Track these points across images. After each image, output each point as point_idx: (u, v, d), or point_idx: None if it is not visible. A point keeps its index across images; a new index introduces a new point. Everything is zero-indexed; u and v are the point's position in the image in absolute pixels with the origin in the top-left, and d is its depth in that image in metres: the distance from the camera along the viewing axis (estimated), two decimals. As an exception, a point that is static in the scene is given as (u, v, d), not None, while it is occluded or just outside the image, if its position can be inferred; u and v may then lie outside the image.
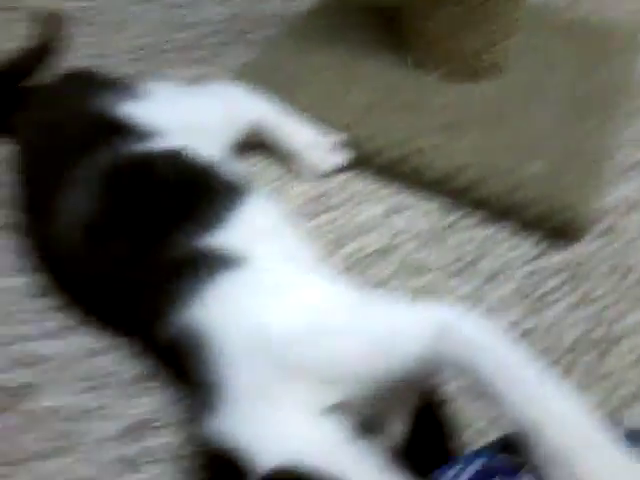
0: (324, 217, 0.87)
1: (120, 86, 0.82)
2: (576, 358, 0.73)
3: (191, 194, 0.67)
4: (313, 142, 0.91)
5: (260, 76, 0.99)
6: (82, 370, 0.68)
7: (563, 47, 1.11)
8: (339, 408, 0.54)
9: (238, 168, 0.81)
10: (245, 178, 0.75)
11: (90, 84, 0.82)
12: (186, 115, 0.81)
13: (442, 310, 0.54)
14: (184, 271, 0.60)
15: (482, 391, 0.48)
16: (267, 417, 0.53)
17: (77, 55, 1.10)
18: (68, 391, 0.66)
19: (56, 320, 0.72)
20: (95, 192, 0.66)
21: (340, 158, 0.91)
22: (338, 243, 0.84)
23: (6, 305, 0.73)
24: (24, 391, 0.66)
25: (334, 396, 0.54)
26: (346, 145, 0.91)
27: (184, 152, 0.71)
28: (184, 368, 0.59)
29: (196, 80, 1.06)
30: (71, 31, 1.06)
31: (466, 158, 0.88)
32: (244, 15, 1.26)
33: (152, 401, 0.66)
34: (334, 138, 0.91)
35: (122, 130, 0.71)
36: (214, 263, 0.60)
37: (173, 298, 0.59)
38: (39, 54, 0.98)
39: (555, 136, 0.93)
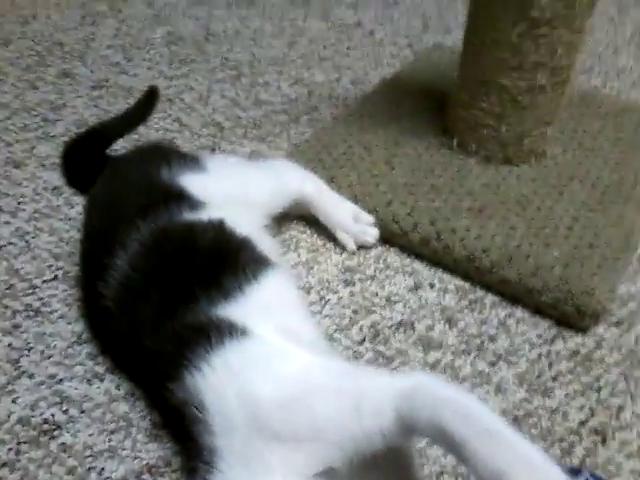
0: (358, 286, 0.95)
1: (185, 159, 0.92)
2: (577, 442, 0.76)
3: (220, 264, 0.75)
4: (351, 219, 1.00)
5: (315, 152, 1.11)
6: (100, 413, 0.78)
7: (606, 134, 1.16)
8: (326, 475, 0.59)
9: (274, 239, 0.91)
10: (274, 251, 0.84)
11: (160, 156, 0.92)
12: (237, 189, 0.91)
13: (414, 377, 0.59)
14: (193, 338, 0.67)
15: (450, 447, 0.53)
16: (247, 477, 0.59)
17: (159, 125, 1.27)
18: (85, 431, 0.76)
19: (87, 366, 0.83)
20: (137, 254, 0.76)
21: (374, 236, 1.00)
22: (366, 310, 0.91)
23: (49, 349, 0.85)
24: (46, 427, 0.76)
25: (318, 462, 0.59)
26: (381, 223, 1.00)
27: (225, 224, 0.80)
28: (186, 429, 0.65)
29: (259, 154, 1.19)
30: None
31: (492, 240, 0.94)
32: (314, 94, 1.39)
33: (159, 448, 0.75)
34: (370, 217, 1.00)
35: (177, 199, 0.81)
36: (219, 333, 0.66)
37: (181, 363, 0.65)
38: (132, 120, 1.14)
39: (579, 223, 0.97)
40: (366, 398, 0.59)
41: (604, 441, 0.76)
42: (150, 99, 1.16)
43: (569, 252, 0.93)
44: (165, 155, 0.92)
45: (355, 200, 1.03)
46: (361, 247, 1.01)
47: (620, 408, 0.80)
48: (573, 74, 1.05)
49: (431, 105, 1.22)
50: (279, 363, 0.65)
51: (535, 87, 1.01)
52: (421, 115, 1.20)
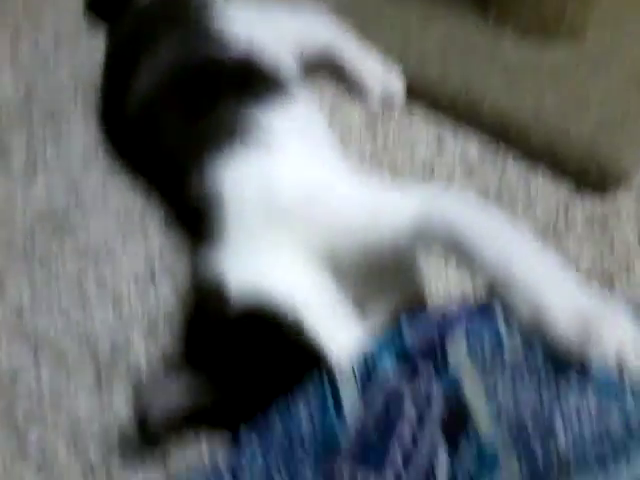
0: (380, 132, 0.94)
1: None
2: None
3: (250, 78, 0.76)
4: (379, 69, 0.99)
5: (348, 7, 1.08)
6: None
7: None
8: (326, 265, 0.61)
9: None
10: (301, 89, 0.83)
11: None
12: (267, 25, 0.91)
13: (432, 188, 0.61)
14: (219, 136, 0.68)
15: (460, 254, 0.54)
16: (254, 255, 0.61)
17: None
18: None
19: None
20: (166, 64, 0.77)
21: (399, 89, 0.98)
22: (387, 154, 0.91)
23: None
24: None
25: (327, 252, 0.61)
26: (410, 78, 0.98)
27: (256, 52, 0.81)
28: (202, 224, 0.66)
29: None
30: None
31: (522, 100, 0.93)
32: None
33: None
34: (398, 70, 0.98)
35: (209, 18, 0.83)
36: (247, 133, 0.68)
37: (204, 156, 0.67)
38: None
39: (613, 97, 0.95)
40: (385, 209, 0.60)
41: (611, 286, 0.77)
42: None
43: (600, 119, 0.91)
44: None
45: (387, 52, 1.01)
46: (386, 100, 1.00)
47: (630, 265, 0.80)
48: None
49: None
50: (303, 165, 0.66)
51: (586, -47, 0.98)
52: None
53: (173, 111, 0.74)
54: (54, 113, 0.89)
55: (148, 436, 0.57)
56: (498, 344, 0.46)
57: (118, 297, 0.69)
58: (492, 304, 0.50)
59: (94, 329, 0.66)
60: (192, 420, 0.58)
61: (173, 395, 0.55)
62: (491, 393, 0.44)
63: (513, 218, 0.79)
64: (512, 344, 0.45)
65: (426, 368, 0.48)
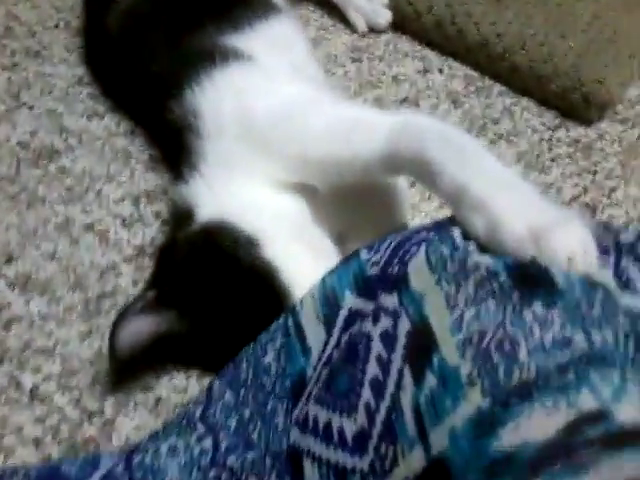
0: (365, 63, 0.93)
1: None
2: (566, 214, 0.78)
3: (231, 1, 0.75)
4: None
5: None
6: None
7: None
8: (299, 190, 0.61)
9: None
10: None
11: None
12: None
13: (408, 114, 0.60)
14: (199, 59, 0.67)
15: (424, 173, 0.52)
16: (227, 183, 0.61)
17: None
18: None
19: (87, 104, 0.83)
20: None
21: (386, 17, 0.96)
22: (371, 85, 0.90)
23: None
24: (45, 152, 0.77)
25: (300, 175, 0.61)
26: (395, 4, 0.96)
27: None
28: (180, 148, 0.66)
29: None
30: None
31: (508, 27, 0.91)
32: None
33: (156, 178, 0.76)
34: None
35: None
36: (225, 55, 0.67)
37: (184, 81, 0.66)
38: None
39: (600, 20, 0.94)
40: (359, 126, 0.59)
41: (593, 214, 0.78)
42: None
43: (585, 44, 0.90)
44: None
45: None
46: (372, 30, 0.98)
47: (613, 189, 0.81)
48: None
49: None
50: (280, 84, 0.66)
51: None
52: None
53: (154, 31, 0.73)
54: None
55: (118, 365, 0.58)
56: (458, 257, 0.44)
57: (105, 238, 0.70)
58: (448, 220, 0.48)
59: (83, 270, 0.68)
60: (164, 353, 0.59)
61: (143, 325, 0.56)
62: (452, 303, 0.42)
63: (497, 150, 0.82)
64: (472, 258, 0.44)
65: (389, 295, 0.46)
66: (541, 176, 0.81)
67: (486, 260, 0.43)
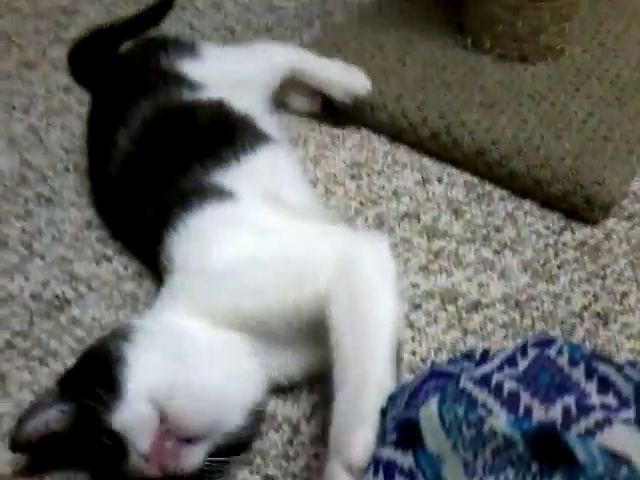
0: (365, 180, 0.95)
1: (182, 45, 0.94)
2: (578, 324, 0.76)
3: (217, 138, 0.78)
4: (340, 69, 1.01)
5: (325, 50, 1.08)
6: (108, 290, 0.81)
7: (630, 34, 1.12)
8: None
9: (274, 118, 0.94)
10: (274, 129, 0.86)
11: (158, 44, 0.94)
12: (230, 68, 0.94)
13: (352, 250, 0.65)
14: (180, 202, 0.70)
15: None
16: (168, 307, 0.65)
17: (171, 30, 1.26)
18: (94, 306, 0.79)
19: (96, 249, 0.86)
20: (138, 131, 0.79)
21: (364, 83, 1.00)
22: (374, 202, 0.91)
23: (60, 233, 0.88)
24: (57, 302, 0.79)
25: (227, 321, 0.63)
26: (390, 118, 0.99)
27: (223, 102, 0.83)
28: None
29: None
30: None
31: (502, 133, 0.93)
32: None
33: None
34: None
35: (176, 82, 0.84)
36: (203, 196, 0.70)
37: (165, 226, 0.70)
38: (143, 22, 1.19)
39: (594, 118, 0.95)
40: (300, 280, 0.63)
41: (606, 324, 0.77)
42: (166, 3, 1.21)
43: (581, 144, 0.91)
44: (163, 43, 0.94)
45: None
46: (369, 144, 1.00)
47: (624, 294, 0.80)
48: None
49: (446, 4, 1.18)
50: (246, 227, 0.69)
51: (553, -22, 0.97)
52: (436, 14, 1.17)
53: (146, 175, 0.77)
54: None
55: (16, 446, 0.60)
56: (474, 420, 0.44)
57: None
58: (456, 364, 0.50)
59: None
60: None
61: (45, 417, 0.58)
62: (471, 470, 0.43)
63: (502, 260, 0.82)
64: (488, 422, 0.43)
65: (404, 453, 0.47)
66: (549, 285, 0.81)
67: (502, 426, 0.42)
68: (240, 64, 0.95)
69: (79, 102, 1.08)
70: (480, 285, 0.80)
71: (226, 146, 0.76)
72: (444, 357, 0.73)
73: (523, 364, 0.48)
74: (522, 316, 0.77)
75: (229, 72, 0.91)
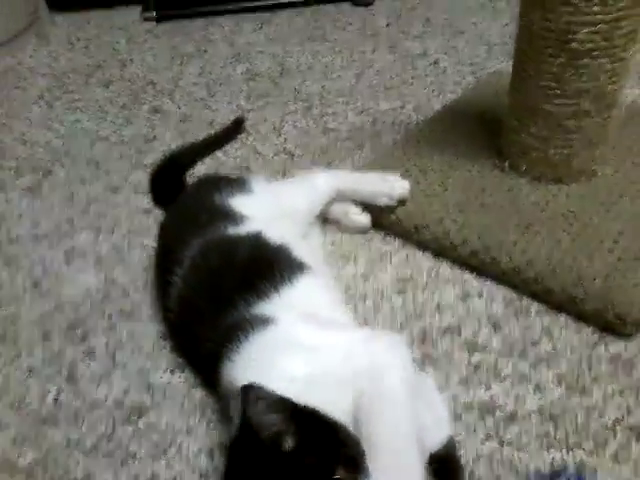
0: (410, 295, 1.04)
1: (234, 183, 1.05)
2: (611, 437, 0.81)
3: (257, 271, 0.86)
4: (379, 180, 1.14)
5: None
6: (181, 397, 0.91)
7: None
8: None
9: (314, 243, 1.06)
10: (313, 255, 0.96)
11: (213, 183, 1.07)
12: (276, 202, 1.03)
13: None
14: (229, 337, 0.78)
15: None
16: None
17: (237, 154, 1.42)
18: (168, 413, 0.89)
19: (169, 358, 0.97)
20: (189, 269, 0.89)
21: (404, 187, 1.13)
22: (417, 316, 1.00)
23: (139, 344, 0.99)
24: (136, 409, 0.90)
25: None
26: (433, 238, 1.09)
27: (262, 235, 0.92)
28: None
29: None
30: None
31: (537, 253, 1.01)
32: (378, 122, 1.50)
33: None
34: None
35: (224, 217, 0.94)
36: (248, 328, 0.78)
37: (219, 359, 0.77)
38: (208, 146, 1.38)
39: (625, 236, 1.02)
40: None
41: (638, 438, 0.81)
42: (235, 128, 1.42)
43: (612, 264, 0.98)
44: (217, 182, 1.07)
45: (408, 217, 1.12)
46: (414, 260, 1.10)
47: (657, 408, 0.84)
48: (620, 97, 1.10)
49: (487, 129, 1.30)
50: (286, 352, 0.76)
51: (580, 112, 1.07)
52: (476, 139, 1.28)
53: (199, 312, 0.85)
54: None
55: None
56: None
57: None
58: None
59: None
60: None
61: None
62: None
63: (538, 373, 0.88)
64: None
65: None
66: (582, 398, 0.86)
67: None
68: (286, 195, 1.07)
69: (157, 223, 1.22)
70: (517, 397, 0.87)
71: (265, 279, 0.84)
72: (482, 467, 0.79)
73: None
74: (556, 428, 0.82)
75: (276, 204, 1.02)
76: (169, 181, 1.24)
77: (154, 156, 1.42)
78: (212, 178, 1.18)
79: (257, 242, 0.91)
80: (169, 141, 1.49)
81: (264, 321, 0.78)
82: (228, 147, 1.43)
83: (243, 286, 0.84)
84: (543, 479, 0.51)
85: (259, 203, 1.00)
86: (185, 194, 1.12)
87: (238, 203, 0.99)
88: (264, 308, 0.81)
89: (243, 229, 0.93)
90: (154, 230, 1.19)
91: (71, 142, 1.52)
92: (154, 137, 1.51)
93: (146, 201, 1.29)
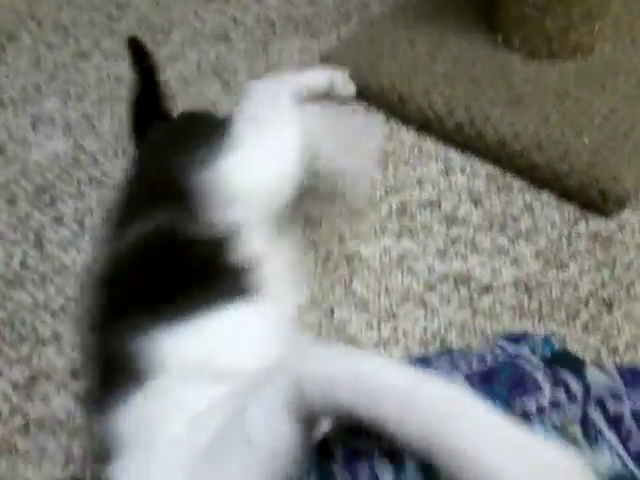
0: (390, 169, 1.01)
1: (217, 139, 0.75)
2: (583, 309, 0.81)
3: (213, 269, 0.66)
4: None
5: (359, 48, 1.15)
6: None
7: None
8: None
9: None
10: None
11: (193, 134, 0.80)
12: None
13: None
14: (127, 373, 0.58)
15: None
16: None
17: (216, 21, 1.33)
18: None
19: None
20: (117, 256, 0.68)
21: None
22: (397, 190, 0.97)
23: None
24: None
25: None
26: (418, 109, 1.04)
27: (226, 241, 0.68)
28: None
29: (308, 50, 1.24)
30: None
31: (524, 127, 0.97)
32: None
33: None
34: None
35: (184, 199, 0.69)
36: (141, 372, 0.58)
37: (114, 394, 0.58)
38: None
39: (616, 114, 0.98)
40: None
41: (610, 310, 0.81)
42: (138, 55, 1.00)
43: (601, 140, 0.94)
44: (198, 135, 0.79)
45: (393, 87, 1.07)
46: (397, 135, 1.06)
47: (632, 283, 0.84)
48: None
49: (477, 2, 1.22)
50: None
51: (582, -23, 1.00)
52: (467, 12, 1.21)
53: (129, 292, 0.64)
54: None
55: None
56: None
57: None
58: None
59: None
60: None
61: None
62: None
63: (516, 247, 0.87)
64: None
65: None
66: (559, 273, 0.85)
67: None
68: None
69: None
70: (493, 270, 0.86)
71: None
72: (454, 335, 0.78)
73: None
74: (530, 300, 0.82)
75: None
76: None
77: (126, 24, 1.34)
78: (196, 121, 0.88)
79: (215, 250, 0.68)
80: (143, 9, 1.39)
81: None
82: (206, 15, 1.34)
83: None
84: (511, 341, 0.50)
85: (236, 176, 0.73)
86: (153, 138, 0.87)
87: (209, 178, 0.71)
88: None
89: (215, 218, 0.69)
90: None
91: (37, 5, 1.42)
92: (127, 4, 1.41)
93: (117, 69, 1.22)
